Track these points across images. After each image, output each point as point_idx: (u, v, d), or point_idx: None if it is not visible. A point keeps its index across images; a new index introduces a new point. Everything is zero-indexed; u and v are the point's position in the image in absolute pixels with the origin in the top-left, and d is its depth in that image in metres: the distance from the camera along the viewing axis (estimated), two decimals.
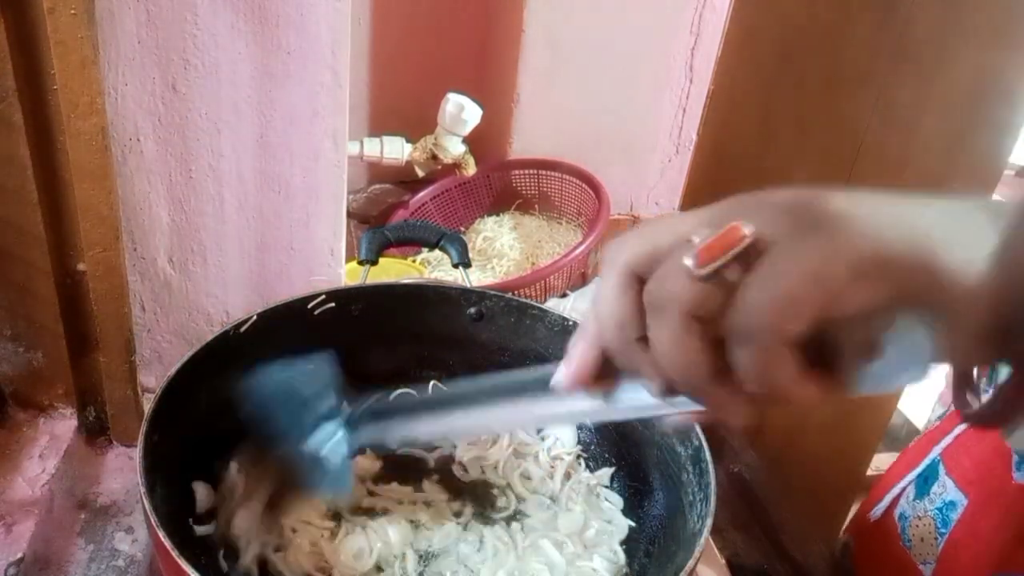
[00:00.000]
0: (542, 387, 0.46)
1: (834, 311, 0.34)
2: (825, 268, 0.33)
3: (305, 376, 0.63)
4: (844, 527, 0.94)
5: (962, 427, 0.75)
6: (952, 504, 0.74)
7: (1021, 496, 0.68)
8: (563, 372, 0.44)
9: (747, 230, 0.35)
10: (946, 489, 0.75)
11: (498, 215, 1.66)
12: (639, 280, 0.38)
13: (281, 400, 0.62)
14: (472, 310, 0.85)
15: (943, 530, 0.74)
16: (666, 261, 0.37)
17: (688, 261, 0.35)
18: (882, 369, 0.34)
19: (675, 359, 0.36)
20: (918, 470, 0.79)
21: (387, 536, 0.70)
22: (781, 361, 0.34)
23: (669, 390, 0.38)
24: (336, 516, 0.71)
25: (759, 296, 0.34)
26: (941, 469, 0.76)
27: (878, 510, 0.83)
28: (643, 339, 0.38)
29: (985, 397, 0.56)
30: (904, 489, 0.81)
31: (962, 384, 0.56)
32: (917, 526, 0.77)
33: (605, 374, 0.43)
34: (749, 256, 0.34)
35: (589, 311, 0.42)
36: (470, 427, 0.66)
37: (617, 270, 0.38)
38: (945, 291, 0.34)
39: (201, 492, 0.69)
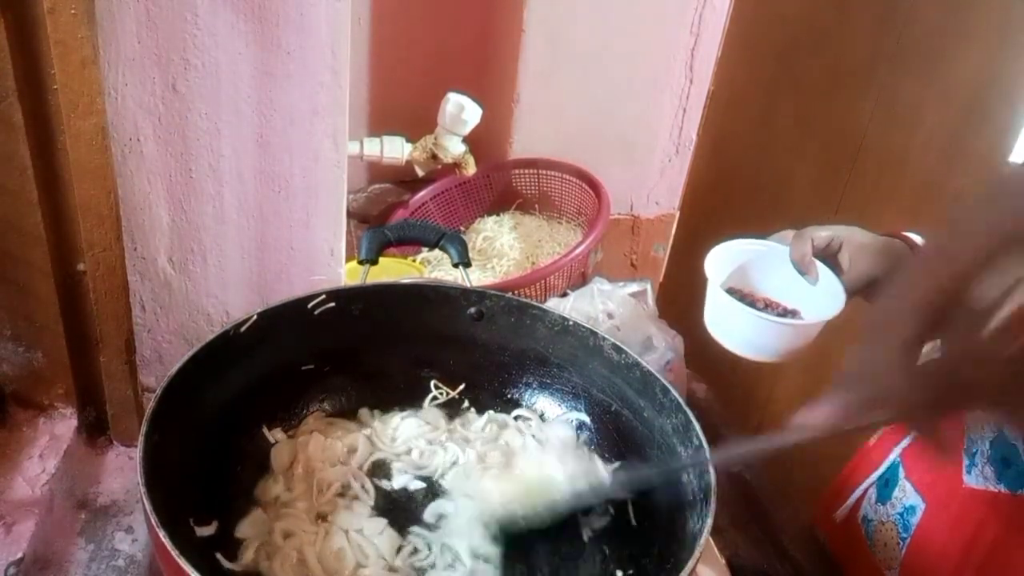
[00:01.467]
0: None
1: None
2: None
3: None
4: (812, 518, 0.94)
5: None
6: (912, 509, 0.74)
7: (971, 500, 0.68)
8: (817, 413, 0.45)
9: None
10: (906, 493, 0.76)
11: (498, 215, 1.66)
12: (921, 343, 0.36)
13: None
14: (472, 310, 0.85)
15: (904, 535, 0.75)
16: (960, 333, 0.35)
17: (989, 330, 0.33)
18: None
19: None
20: (879, 471, 0.79)
21: (371, 539, 0.70)
22: None
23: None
24: (323, 518, 0.71)
25: None
26: (901, 472, 0.77)
27: (842, 511, 0.83)
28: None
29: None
30: (866, 491, 0.81)
31: None
32: (880, 531, 0.78)
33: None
34: None
35: (857, 372, 0.41)
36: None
37: (896, 341, 0.36)
38: None
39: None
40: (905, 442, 0.77)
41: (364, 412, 0.83)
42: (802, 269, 0.80)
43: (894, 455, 0.78)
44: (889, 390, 0.38)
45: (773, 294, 0.85)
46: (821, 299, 0.80)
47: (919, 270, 0.36)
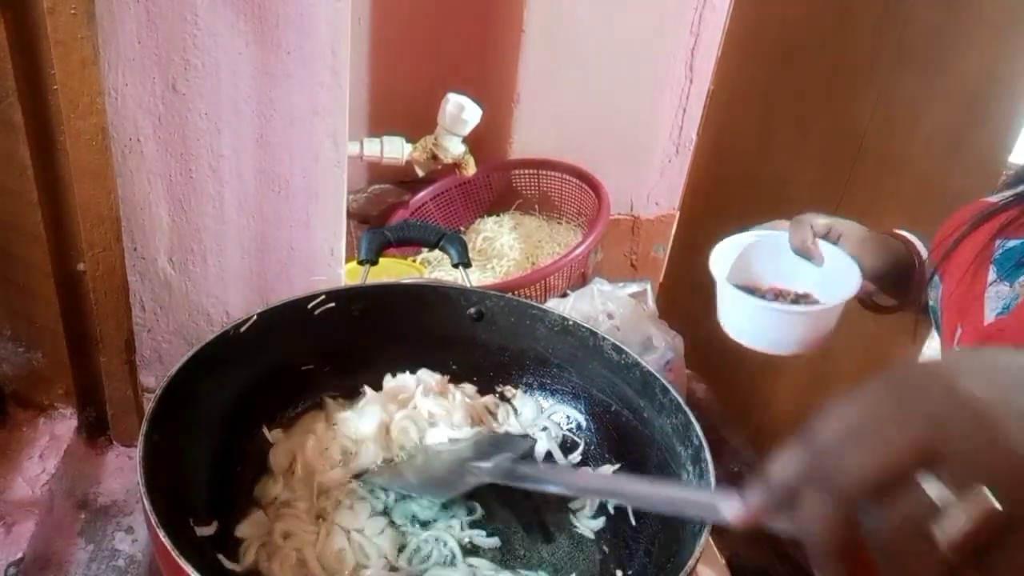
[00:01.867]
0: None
1: None
2: None
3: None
4: None
5: None
6: None
7: None
8: (739, 510, 0.43)
9: (999, 506, 0.33)
10: None
11: (498, 215, 1.66)
12: (856, 507, 0.36)
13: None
14: (472, 310, 0.85)
15: None
16: (906, 518, 0.35)
17: (946, 542, 0.34)
18: None
19: None
20: None
21: (372, 539, 0.70)
22: None
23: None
24: (323, 518, 0.71)
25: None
26: None
27: None
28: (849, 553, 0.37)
29: None
30: None
31: None
32: None
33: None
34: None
35: (774, 483, 0.41)
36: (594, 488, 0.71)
37: (837, 496, 0.37)
38: None
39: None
40: None
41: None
42: (805, 254, 0.79)
43: None
44: (808, 530, 0.38)
45: (781, 281, 0.83)
46: (834, 278, 0.77)
47: (874, 428, 0.36)
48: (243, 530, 0.69)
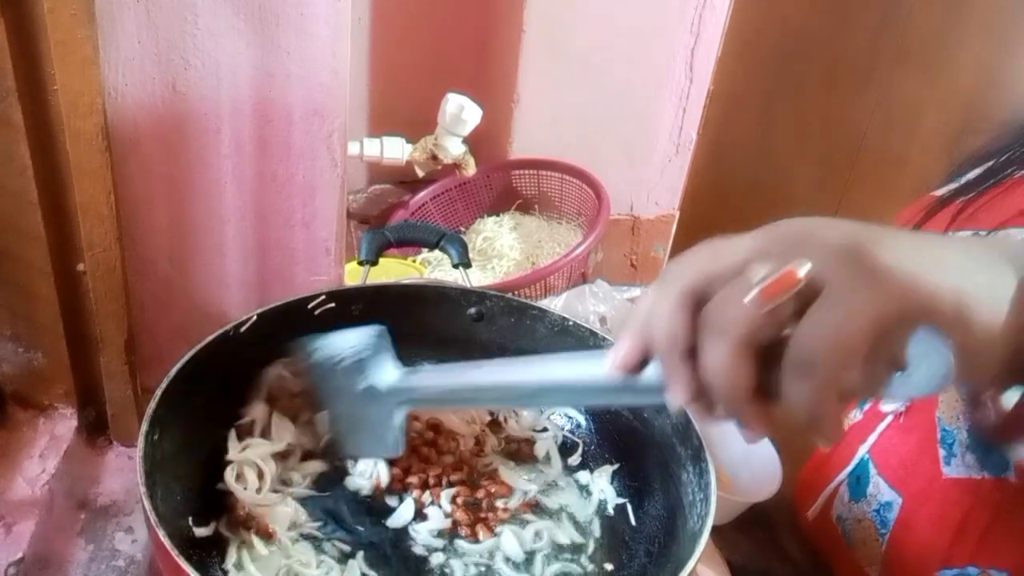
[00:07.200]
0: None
1: (882, 351, 0.38)
2: (882, 317, 0.37)
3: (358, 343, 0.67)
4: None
5: (885, 424, 0.76)
6: (888, 505, 0.74)
7: (955, 490, 0.69)
8: (611, 357, 0.47)
9: (803, 273, 0.38)
10: (880, 490, 0.75)
11: (498, 215, 1.66)
12: (695, 300, 0.41)
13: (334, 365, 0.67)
14: (472, 310, 0.85)
15: (883, 531, 0.75)
16: (726, 288, 0.40)
17: (749, 296, 0.38)
18: (906, 385, 0.39)
19: (724, 376, 0.40)
20: (848, 468, 0.79)
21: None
22: (830, 398, 0.38)
23: (699, 397, 0.42)
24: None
25: (819, 335, 0.38)
26: (871, 469, 0.77)
27: (814, 511, 0.83)
28: (689, 351, 0.42)
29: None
30: (836, 489, 0.81)
31: (974, 403, 0.61)
32: (858, 529, 0.78)
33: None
34: (804, 294, 0.38)
35: (639, 313, 0.46)
36: (505, 378, 0.62)
37: (677, 287, 0.42)
38: (971, 328, 0.39)
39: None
40: (872, 439, 0.78)
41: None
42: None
43: (862, 452, 0.78)
44: (656, 327, 0.43)
45: None
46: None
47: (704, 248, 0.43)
48: (224, 531, 0.68)
